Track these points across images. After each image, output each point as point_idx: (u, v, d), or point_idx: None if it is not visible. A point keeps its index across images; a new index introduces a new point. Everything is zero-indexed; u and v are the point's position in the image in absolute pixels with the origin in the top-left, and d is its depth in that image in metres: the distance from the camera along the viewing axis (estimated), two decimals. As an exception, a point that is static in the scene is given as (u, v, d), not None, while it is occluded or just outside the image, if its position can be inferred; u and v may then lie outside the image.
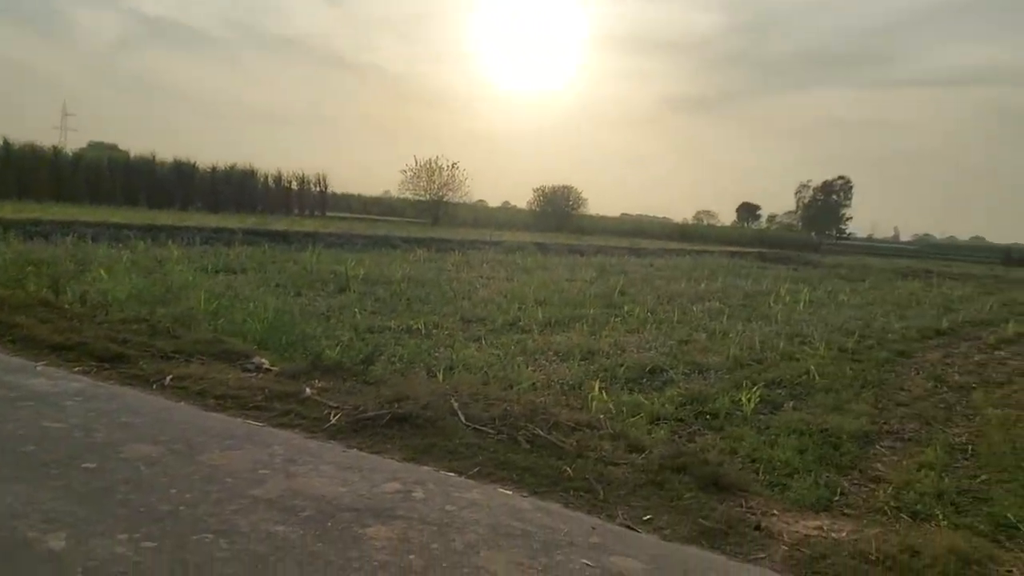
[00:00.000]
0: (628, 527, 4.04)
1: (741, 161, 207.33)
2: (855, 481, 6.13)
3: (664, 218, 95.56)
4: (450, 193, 56.46)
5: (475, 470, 4.72)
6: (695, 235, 70.97)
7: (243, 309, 10.60)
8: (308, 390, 6.41)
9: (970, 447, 7.18)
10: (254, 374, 7.15)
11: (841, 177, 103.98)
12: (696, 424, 7.30)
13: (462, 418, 5.56)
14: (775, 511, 4.48)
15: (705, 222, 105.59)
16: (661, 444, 5.69)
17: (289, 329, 9.55)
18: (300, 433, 5.44)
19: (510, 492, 4.43)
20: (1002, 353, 13.57)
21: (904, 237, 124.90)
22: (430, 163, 55.53)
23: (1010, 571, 3.83)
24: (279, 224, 29.93)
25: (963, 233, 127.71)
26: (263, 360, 7.68)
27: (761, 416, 7.66)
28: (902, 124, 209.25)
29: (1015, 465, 6.65)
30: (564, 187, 66.33)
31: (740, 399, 7.84)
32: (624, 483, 4.63)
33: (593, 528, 3.94)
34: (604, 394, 7.59)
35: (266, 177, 50.19)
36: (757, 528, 4.08)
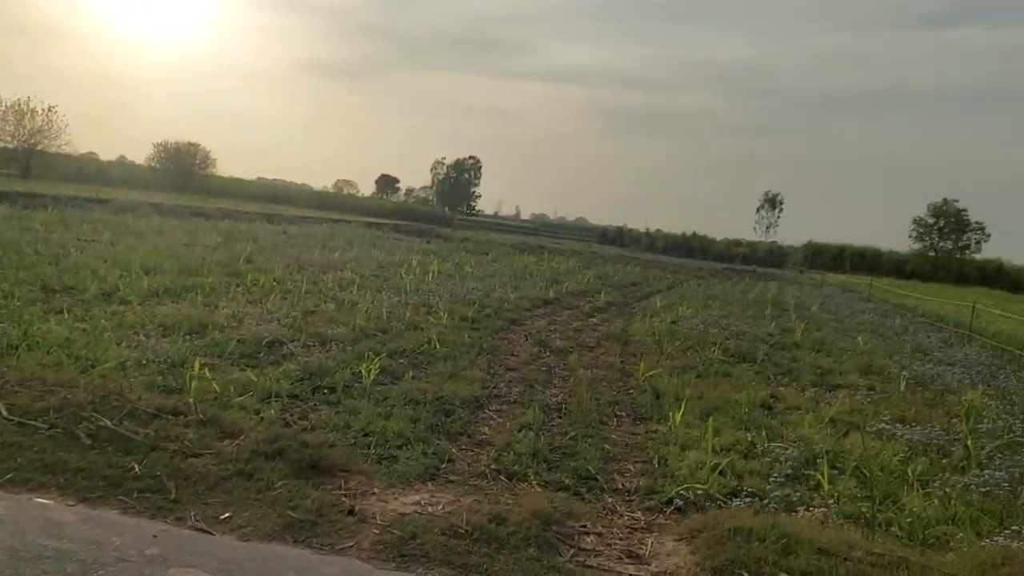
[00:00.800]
0: (201, 530, 3.47)
1: (382, 134, 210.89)
2: (463, 447, 6.25)
3: (304, 185, 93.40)
4: (45, 141, 47.98)
5: (7, 477, 3.73)
6: (334, 204, 70.48)
7: None
8: None
9: (564, 406, 7.84)
10: None
11: (472, 157, 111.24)
12: (312, 400, 6.90)
13: (2, 411, 4.42)
14: (376, 489, 4.26)
15: (345, 191, 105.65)
16: (261, 427, 5.14)
17: None
18: None
19: (51, 502, 3.56)
20: (594, 320, 15.42)
21: (524, 216, 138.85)
22: (19, 104, 46.60)
23: (584, 525, 4.08)
24: None
25: (571, 214, 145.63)
26: None
27: (381, 387, 7.53)
28: (522, 113, 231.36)
29: (598, 420, 7.40)
30: (191, 144, 60.90)
31: (361, 371, 7.62)
32: (205, 477, 4.02)
33: (155, 536, 3.30)
34: (208, 372, 6.80)
35: None
36: (350, 513, 3.80)
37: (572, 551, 3.62)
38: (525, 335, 12.28)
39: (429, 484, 5.05)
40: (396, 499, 4.15)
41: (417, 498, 4.20)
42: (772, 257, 68.33)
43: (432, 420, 6.66)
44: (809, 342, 13.70)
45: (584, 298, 19.02)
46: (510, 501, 4.17)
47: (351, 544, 3.48)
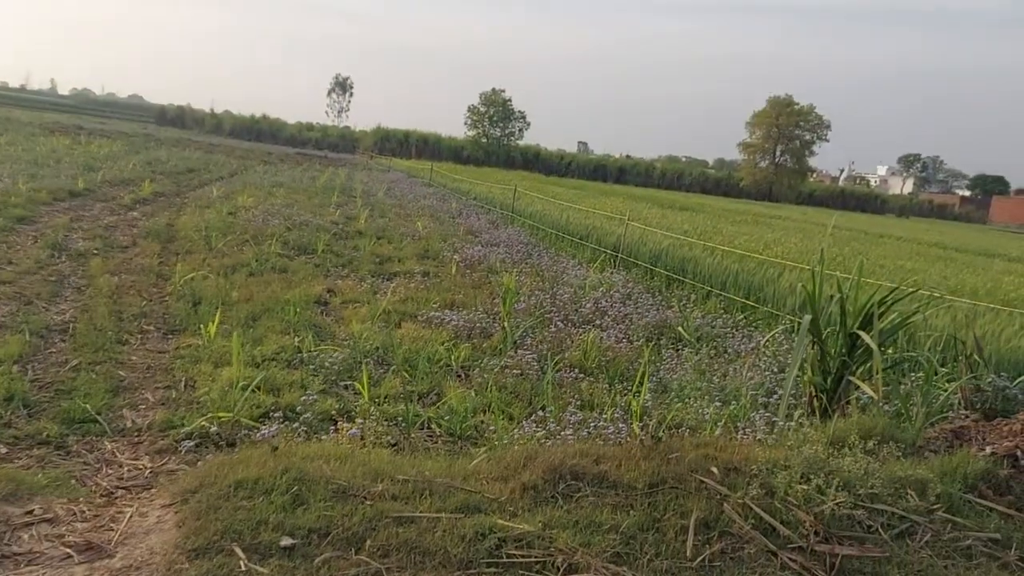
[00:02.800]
0: None
1: None
2: None
3: None
4: None
5: None
6: None
7: None
8: None
9: (72, 326, 6.32)
10: None
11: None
12: None
13: None
14: None
15: None
16: None
17: None
18: None
19: None
20: (135, 214, 13.28)
21: (62, 91, 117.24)
22: None
23: (31, 511, 2.98)
24: None
25: (123, 91, 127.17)
26: None
27: None
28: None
29: (114, 339, 6.08)
30: None
31: None
32: None
33: None
34: None
35: None
36: None
37: (-8, 564, 2.55)
38: (35, 236, 9.93)
39: None
40: None
41: None
42: (344, 142, 68.52)
43: None
44: (372, 229, 13.57)
45: (126, 188, 16.40)
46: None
47: None
